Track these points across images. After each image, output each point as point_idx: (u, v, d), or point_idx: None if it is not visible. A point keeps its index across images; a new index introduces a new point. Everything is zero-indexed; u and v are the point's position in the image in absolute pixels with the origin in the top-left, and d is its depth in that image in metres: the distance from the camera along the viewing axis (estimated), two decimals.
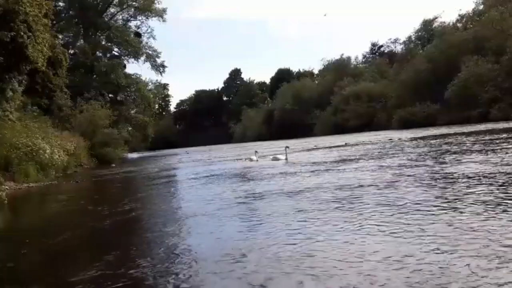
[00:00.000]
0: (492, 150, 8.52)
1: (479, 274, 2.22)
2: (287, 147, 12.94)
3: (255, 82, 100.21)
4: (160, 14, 41.74)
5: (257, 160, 12.64)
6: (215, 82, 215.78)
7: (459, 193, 4.43)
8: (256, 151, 13.74)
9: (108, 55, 41.68)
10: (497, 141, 10.55)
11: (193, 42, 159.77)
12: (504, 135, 12.58)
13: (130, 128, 38.47)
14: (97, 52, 39.85)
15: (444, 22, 48.46)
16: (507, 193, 4.18)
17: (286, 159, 11.64)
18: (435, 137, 16.23)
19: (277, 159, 11.85)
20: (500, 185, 4.62)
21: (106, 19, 41.79)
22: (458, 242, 2.78)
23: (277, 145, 26.10)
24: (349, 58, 64.50)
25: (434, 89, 36.58)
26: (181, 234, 4.10)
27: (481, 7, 41.41)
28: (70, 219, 6.07)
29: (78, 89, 29.39)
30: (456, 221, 3.32)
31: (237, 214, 4.68)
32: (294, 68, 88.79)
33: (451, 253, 2.58)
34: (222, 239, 3.63)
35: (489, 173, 5.52)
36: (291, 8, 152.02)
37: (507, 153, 7.64)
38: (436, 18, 50.24)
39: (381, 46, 68.39)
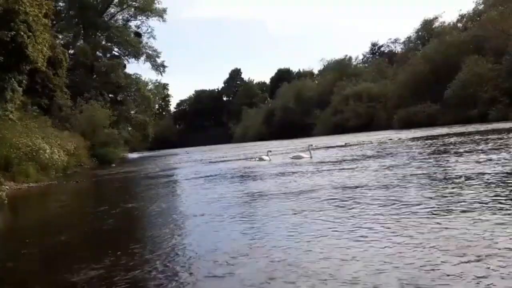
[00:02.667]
0: (491, 150, 8.52)
1: (476, 274, 2.23)
2: (310, 145, 12.67)
3: (255, 82, 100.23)
4: (160, 14, 41.81)
5: (269, 160, 12.28)
6: (215, 82, 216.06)
7: (458, 193, 4.43)
8: (269, 151, 13.45)
9: (108, 55, 41.70)
10: (497, 141, 10.55)
11: (193, 42, 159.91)
12: (504, 136, 12.58)
13: (130, 128, 38.48)
14: (97, 52, 39.84)
15: (444, 22, 48.51)
16: (506, 193, 4.18)
17: (311, 157, 11.47)
18: (435, 137, 16.23)
19: (300, 157, 11.65)
20: (500, 185, 4.62)
21: (106, 19, 41.82)
22: (456, 242, 2.79)
23: (277, 145, 26.10)
24: (349, 58, 64.61)
25: (434, 89, 36.55)
26: (181, 234, 4.11)
27: (481, 7, 41.40)
28: (70, 219, 6.07)
29: (78, 89, 29.38)
30: (455, 221, 3.32)
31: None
32: (294, 68, 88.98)
33: (450, 254, 2.58)
34: (223, 240, 3.63)
35: (488, 173, 5.52)
36: (291, 8, 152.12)
37: (507, 152, 7.64)
38: (437, 18, 50.27)
39: (381, 46, 68.48)
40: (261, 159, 12.66)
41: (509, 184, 4.61)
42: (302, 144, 22.92)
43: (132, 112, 40.55)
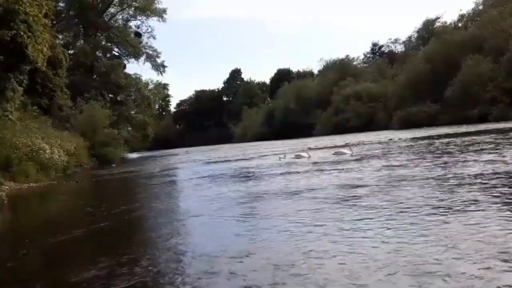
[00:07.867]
0: (491, 150, 8.51)
1: (476, 274, 2.22)
2: (347, 142, 13.02)
3: (255, 82, 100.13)
4: (160, 14, 41.76)
5: (309, 156, 12.46)
6: (215, 82, 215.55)
7: (458, 193, 4.42)
8: (309, 148, 13.66)
9: (108, 55, 41.66)
10: (496, 141, 10.54)
11: (193, 42, 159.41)
12: (503, 136, 12.57)
13: (130, 128, 38.45)
14: (97, 52, 39.81)
15: (445, 22, 48.52)
16: (505, 193, 4.17)
17: (352, 153, 11.76)
18: (435, 137, 16.22)
19: (343, 153, 12.11)
20: (499, 185, 4.62)
21: (106, 19, 41.79)
22: (454, 241, 2.78)
23: (276, 146, 26.09)
24: (349, 58, 64.57)
25: (434, 89, 36.53)
26: (182, 234, 4.10)
27: (481, 7, 41.40)
28: (70, 219, 6.07)
29: (78, 89, 29.33)
30: (453, 221, 3.32)
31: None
32: (294, 68, 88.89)
33: (447, 252, 2.57)
34: (223, 239, 3.62)
35: (487, 173, 5.51)
36: (291, 8, 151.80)
37: (506, 153, 7.64)
38: (438, 18, 50.25)
39: (382, 46, 68.48)
40: (299, 156, 12.74)
41: (509, 184, 4.61)
42: (301, 144, 22.90)
43: (132, 112, 40.51)
